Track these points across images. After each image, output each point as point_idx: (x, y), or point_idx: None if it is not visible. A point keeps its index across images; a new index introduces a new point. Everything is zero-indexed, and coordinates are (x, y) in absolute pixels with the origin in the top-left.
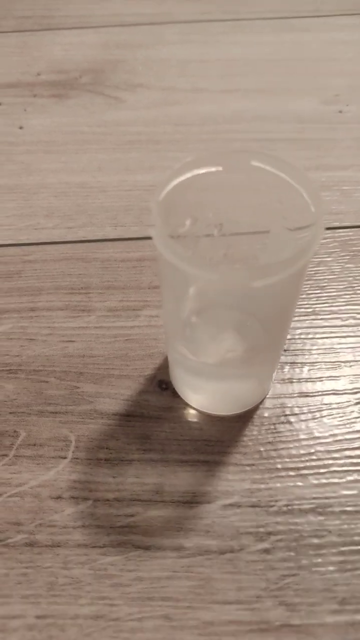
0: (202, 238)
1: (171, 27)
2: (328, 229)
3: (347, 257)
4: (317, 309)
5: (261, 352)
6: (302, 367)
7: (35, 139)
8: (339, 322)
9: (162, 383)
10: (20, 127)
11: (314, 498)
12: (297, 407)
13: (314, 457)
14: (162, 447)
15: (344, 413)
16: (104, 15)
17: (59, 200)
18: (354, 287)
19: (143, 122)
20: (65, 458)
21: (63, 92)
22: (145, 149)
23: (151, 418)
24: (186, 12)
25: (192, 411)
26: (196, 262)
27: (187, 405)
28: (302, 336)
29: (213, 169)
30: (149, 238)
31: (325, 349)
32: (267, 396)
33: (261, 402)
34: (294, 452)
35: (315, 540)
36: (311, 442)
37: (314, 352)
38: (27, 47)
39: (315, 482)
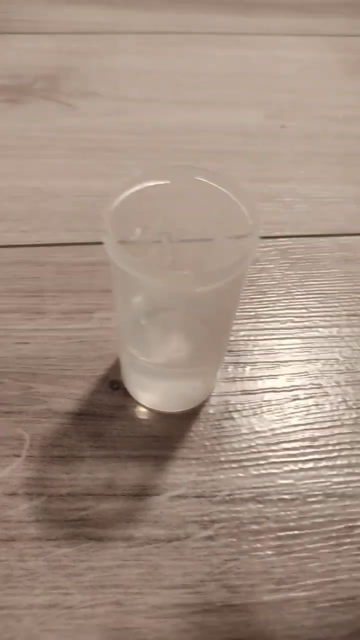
0: (151, 245)
1: (125, 37)
2: (269, 237)
3: (287, 265)
4: (258, 312)
5: (206, 352)
6: (244, 367)
7: None
8: (278, 325)
9: (113, 383)
10: None
11: (254, 488)
12: (240, 404)
13: (254, 450)
14: (114, 443)
15: (282, 409)
16: (59, 21)
17: (12, 204)
18: (292, 292)
19: (96, 129)
20: (19, 456)
21: (17, 97)
22: (98, 156)
23: (103, 416)
24: (140, 22)
25: (142, 409)
26: (144, 268)
27: (137, 404)
28: (245, 338)
29: (161, 182)
30: (102, 243)
31: (266, 349)
32: (212, 394)
33: (206, 399)
34: (236, 445)
35: (255, 527)
36: (252, 436)
37: (255, 352)
38: None
39: (255, 472)
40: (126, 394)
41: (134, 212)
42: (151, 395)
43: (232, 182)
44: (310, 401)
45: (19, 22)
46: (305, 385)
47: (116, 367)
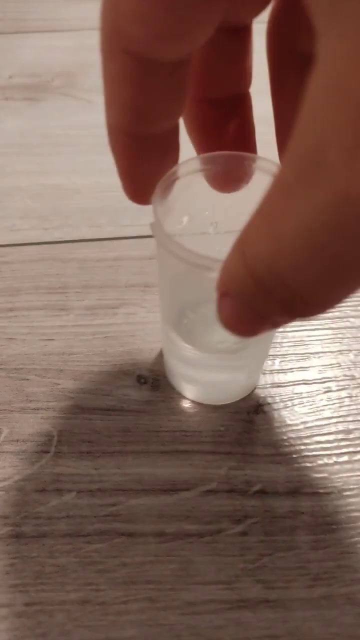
0: (198, 235)
1: None
2: None
3: None
4: None
5: (250, 345)
6: (274, 359)
7: (9, 141)
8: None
9: (140, 378)
10: None
11: (287, 482)
12: (270, 397)
13: (286, 444)
14: (142, 438)
15: (314, 401)
16: (76, 18)
17: (35, 202)
18: None
19: None
20: (48, 452)
21: (36, 95)
22: None
23: (131, 411)
24: None
25: (178, 403)
26: (197, 255)
27: (169, 397)
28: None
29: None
30: (124, 238)
31: (295, 341)
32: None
33: (250, 393)
34: (267, 439)
35: (289, 521)
36: (284, 430)
37: (284, 344)
38: None
39: (288, 466)
40: (153, 388)
41: (181, 201)
42: (194, 387)
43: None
44: (343, 393)
45: (36, 20)
46: (337, 377)
47: (142, 362)
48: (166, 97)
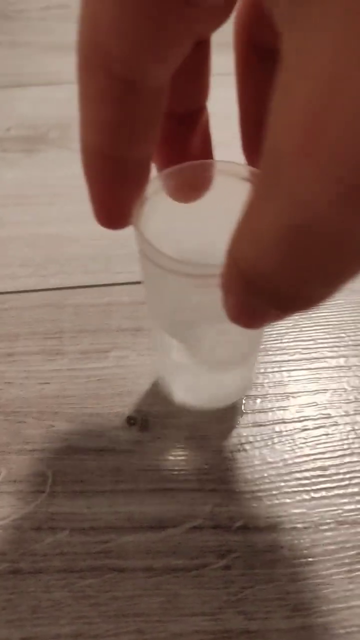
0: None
1: None
2: None
3: None
4: (267, 345)
5: (240, 349)
6: (255, 399)
7: (7, 192)
8: (286, 357)
9: (130, 419)
10: None
11: (268, 517)
12: (252, 435)
13: (267, 481)
14: (132, 478)
15: (293, 439)
16: (70, 72)
17: (32, 251)
18: (299, 324)
19: None
20: (43, 492)
21: (32, 147)
22: None
23: (122, 452)
24: None
25: (159, 444)
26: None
27: (154, 438)
28: (255, 371)
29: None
30: (116, 284)
31: (275, 382)
32: (225, 428)
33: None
34: (249, 477)
35: (269, 555)
36: (264, 467)
37: (265, 385)
38: None
39: (268, 503)
40: (142, 429)
41: (157, 221)
42: (186, 391)
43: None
44: (320, 431)
45: (32, 75)
46: (314, 416)
47: (132, 403)
48: (148, 118)
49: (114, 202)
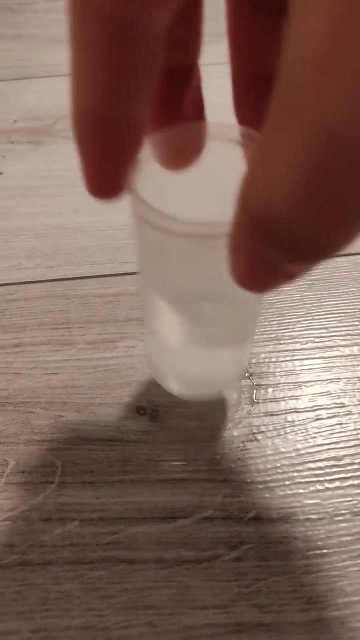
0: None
1: None
2: None
3: (305, 286)
4: (279, 334)
5: (232, 331)
6: (267, 389)
7: (15, 184)
8: (299, 346)
9: (140, 409)
10: (0, 173)
11: (281, 508)
12: (264, 425)
13: (279, 471)
14: (142, 468)
15: (306, 429)
16: None
17: (39, 242)
18: (312, 313)
19: None
20: (52, 483)
21: (39, 139)
22: None
23: (131, 442)
24: None
25: (169, 434)
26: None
27: (164, 428)
28: (266, 360)
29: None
30: (124, 274)
31: (287, 371)
32: (236, 417)
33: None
34: (261, 467)
35: (283, 547)
36: (277, 457)
37: (277, 374)
38: (4, 96)
39: (281, 493)
40: (152, 419)
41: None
42: (178, 377)
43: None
44: (334, 420)
45: (38, 67)
46: (328, 405)
47: (142, 394)
48: (144, 71)
49: (108, 169)
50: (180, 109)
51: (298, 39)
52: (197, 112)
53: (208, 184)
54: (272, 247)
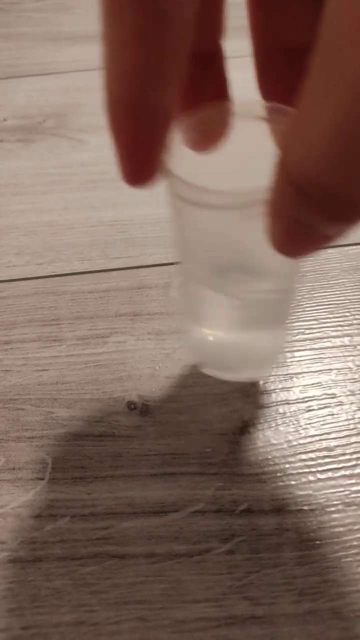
0: None
1: None
2: None
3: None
4: None
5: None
6: (258, 381)
7: (4, 182)
8: (289, 338)
9: (130, 404)
10: None
11: (272, 500)
12: (255, 417)
13: (271, 463)
14: (133, 463)
15: (297, 420)
16: (65, 61)
17: (29, 239)
18: (302, 305)
19: (105, 162)
20: (43, 479)
21: (29, 137)
22: (109, 187)
23: (121, 437)
24: None
25: (160, 428)
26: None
27: (155, 422)
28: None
29: None
30: (114, 270)
31: (278, 363)
32: (227, 410)
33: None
34: (252, 459)
35: (275, 539)
36: (268, 449)
37: None
38: None
39: (273, 485)
40: (143, 413)
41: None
42: (216, 359)
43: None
44: (325, 411)
45: (27, 65)
46: (319, 396)
47: (132, 388)
48: (176, 56)
49: (141, 155)
50: (205, 91)
51: (337, 1)
52: (222, 93)
53: (237, 162)
54: (310, 207)
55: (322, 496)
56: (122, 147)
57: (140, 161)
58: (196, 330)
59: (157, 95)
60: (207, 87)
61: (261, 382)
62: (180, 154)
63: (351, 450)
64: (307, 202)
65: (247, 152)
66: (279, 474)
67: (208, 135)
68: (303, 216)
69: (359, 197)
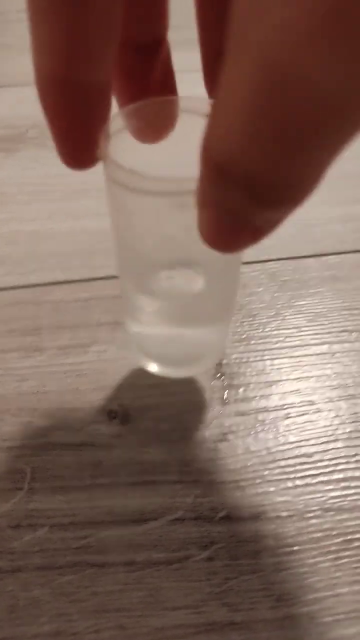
0: None
1: None
2: (257, 262)
3: (276, 287)
4: (249, 334)
5: (210, 308)
6: (237, 389)
7: None
8: (269, 346)
9: (111, 412)
10: None
11: (251, 506)
12: (235, 425)
13: (250, 470)
14: (112, 472)
15: (276, 428)
16: None
17: (11, 248)
18: (282, 313)
19: (89, 172)
20: (21, 489)
21: (12, 146)
22: (92, 197)
23: (102, 446)
24: None
25: (140, 437)
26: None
27: (136, 431)
28: (237, 361)
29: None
30: (96, 279)
31: (258, 371)
32: (207, 418)
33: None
34: (232, 466)
35: (253, 545)
36: (248, 456)
37: (247, 374)
38: None
39: (252, 492)
40: (123, 422)
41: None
42: (157, 355)
43: None
44: (304, 418)
45: (10, 76)
46: (297, 403)
47: (113, 397)
48: (103, 34)
49: (77, 135)
50: (149, 83)
51: None
52: (167, 86)
53: (178, 157)
54: (234, 190)
55: (301, 502)
56: (54, 126)
57: (75, 142)
58: (133, 324)
59: (84, 72)
60: (151, 79)
61: (241, 391)
62: (121, 140)
63: (329, 457)
64: (230, 184)
65: (189, 148)
66: (258, 481)
67: (153, 127)
68: (229, 202)
69: (277, 178)
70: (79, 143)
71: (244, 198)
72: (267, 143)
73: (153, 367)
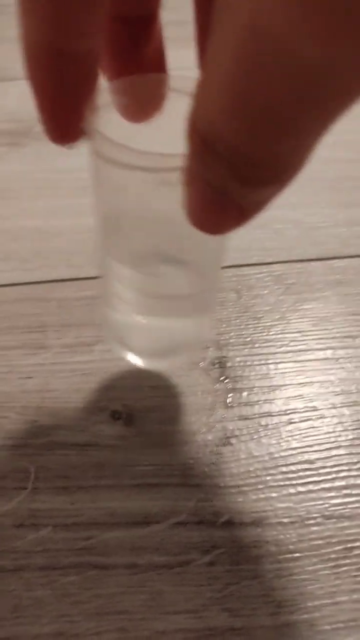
0: None
1: None
2: (262, 264)
3: (281, 290)
4: (254, 338)
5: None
6: (241, 393)
7: None
8: (273, 350)
9: (115, 413)
10: None
11: (253, 512)
12: (237, 429)
13: (252, 475)
14: (116, 473)
15: (279, 433)
16: None
17: (16, 244)
18: (287, 317)
19: None
20: (25, 488)
21: (18, 141)
22: None
23: (105, 447)
24: None
25: (144, 438)
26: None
27: (139, 433)
28: (241, 364)
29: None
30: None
31: (262, 374)
32: (211, 421)
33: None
34: (234, 471)
35: (254, 551)
36: (250, 461)
37: (251, 378)
38: None
39: (254, 497)
40: (127, 423)
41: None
42: (139, 340)
43: None
44: (307, 424)
45: (17, 69)
46: (301, 409)
47: (117, 397)
48: (86, 4)
49: (63, 106)
50: (139, 59)
51: None
52: (157, 62)
53: (167, 138)
54: (218, 164)
55: (302, 509)
56: (39, 96)
57: (61, 112)
58: (110, 310)
59: (72, 38)
60: (141, 56)
61: (245, 394)
62: (107, 116)
63: (332, 464)
64: (214, 158)
65: (177, 129)
66: (260, 486)
67: (141, 105)
68: (213, 178)
69: (260, 154)
70: (64, 115)
71: (228, 175)
72: (250, 116)
73: (129, 356)
